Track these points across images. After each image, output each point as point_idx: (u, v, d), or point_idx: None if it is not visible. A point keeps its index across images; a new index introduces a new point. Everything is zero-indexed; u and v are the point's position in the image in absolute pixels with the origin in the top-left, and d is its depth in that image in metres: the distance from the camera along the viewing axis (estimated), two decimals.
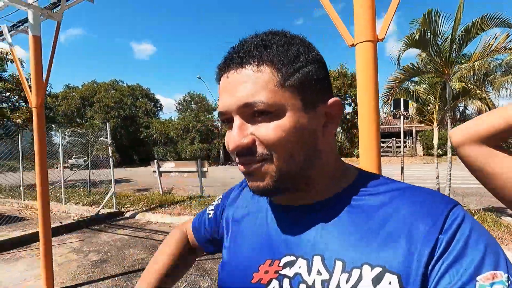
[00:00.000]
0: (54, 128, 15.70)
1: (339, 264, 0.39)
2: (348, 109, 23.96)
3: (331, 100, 0.43)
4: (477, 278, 0.33)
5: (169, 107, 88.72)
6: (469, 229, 0.37)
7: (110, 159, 6.59)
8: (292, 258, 0.43)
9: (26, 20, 3.42)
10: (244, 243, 0.51)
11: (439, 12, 4.26)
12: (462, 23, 4.55)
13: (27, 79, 4.51)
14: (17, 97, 12.87)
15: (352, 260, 0.38)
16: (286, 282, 0.42)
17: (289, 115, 0.39)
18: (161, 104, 36.65)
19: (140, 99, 32.56)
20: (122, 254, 4.21)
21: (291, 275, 0.42)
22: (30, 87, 3.12)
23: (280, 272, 0.43)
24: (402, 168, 7.62)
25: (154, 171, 7.89)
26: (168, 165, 7.77)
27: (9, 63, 12.09)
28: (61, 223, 5.70)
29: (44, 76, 3.09)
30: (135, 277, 3.42)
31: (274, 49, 0.39)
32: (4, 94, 12.08)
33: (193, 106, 33.67)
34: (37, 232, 5.17)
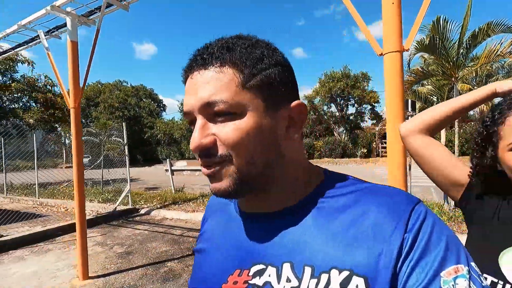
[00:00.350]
0: (60, 128, 15.94)
1: (307, 270, 0.39)
2: (351, 110, 24.16)
3: (294, 103, 0.43)
4: (441, 274, 0.35)
5: (171, 107, 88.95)
6: (431, 226, 0.38)
7: (126, 158, 6.81)
8: (261, 266, 0.43)
9: (60, 26, 3.66)
10: (212, 254, 0.51)
11: (447, 19, 4.49)
12: (469, 29, 4.78)
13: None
14: (27, 97, 13.13)
15: (320, 264, 0.38)
16: None
17: (250, 115, 0.39)
18: (164, 105, 36.93)
19: (144, 100, 32.83)
20: (145, 247, 4.43)
21: (260, 284, 0.41)
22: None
23: (250, 281, 0.42)
24: (410, 166, 7.83)
25: (167, 170, 8.11)
26: (180, 164, 8.00)
27: (19, 64, 12.37)
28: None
29: (82, 79, 3.31)
30: (162, 267, 3.63)
31: (238, 51, 0.40)
32: (16, 95, 12.32)
33: None
34: (60, 227, 5.43)
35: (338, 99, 23.06)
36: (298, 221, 0.43)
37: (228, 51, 0.40)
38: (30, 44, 4.07)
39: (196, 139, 0.40)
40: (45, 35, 3.63)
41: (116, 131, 8.24)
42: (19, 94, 12.58)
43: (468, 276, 0.35)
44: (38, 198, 8.85)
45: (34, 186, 10.05)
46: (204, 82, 0.39)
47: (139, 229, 5.45)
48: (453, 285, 0.35)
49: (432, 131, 0.87)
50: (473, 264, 0.38)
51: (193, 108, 0.41)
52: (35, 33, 3.73)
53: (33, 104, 13.28)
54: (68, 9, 3.20)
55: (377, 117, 24.09)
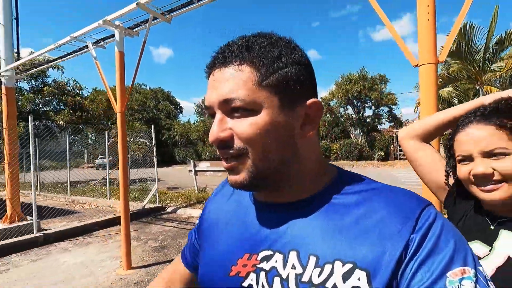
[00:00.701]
0: (84, 130, 16.73)
1: (312, 259, 0.41)
2: (368, 112, 23.95)
3: (309, 101, 0.44)
4: (447, 274, 0.36)
5: (187, 109, 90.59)
6: (440, 228, 0.39)
7: (155, 158, 7.17)
8: (269, 252, 0.45)
9: (107, 38, 4.01)
10: (222, 237, 0.53)
11: (473, 25, 4.54)
12: (496, 33, 4.80)
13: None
14: (57, 100, 13.89)
15: (325, 255, 0.40)
16: (262, 275, 0.44)
17: (265, 113, 0.41)
18: (181, 107, 37.85)
19: (162, 102, 33.75)
20: (178, 242, 4.71)
21: (267, 268, 0.44)
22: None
23: (258, 265, 0.45)
24: None
25: (190, 170, 8.44)
26: (203, 165, 8.30)
27: (50, 69, 13.11)
28: (115, 214, 6.32)
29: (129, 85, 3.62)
30: None
31: (256, 50, 0.42)
32: (47, 98, 13.09)
33: None
34: (95, 223, 5.81)
35: (355, 101, 22.93)
36: (308, 214, 0.45)
37: (247, 50, 0.42)
38: (77, 53, 4.46)
39: (215, 132, 0.43)
40: (93, 46, 3.99)
41: (142, 132, 8.65)
42: (50, 97, 13.34)
43: (474, 279, 0.36)
44: (70, 195, 9.38)
45: (64, 184, 10.65)
46: (224, 79, 0.42)
47: (168, 226, 5.76)
48: (458, 286, 0.35)
49: (424, 139, 0.92)
50: (480, 268, 0.38)
51: (213, 103, 0.43)
52: (84, 44, 4.10)
53: (62, 106, 14.05)
54: (117, 22, 3.52)
55: (395, 120, 23.75)
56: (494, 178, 0.67)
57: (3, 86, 5.35)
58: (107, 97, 30.49)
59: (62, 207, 7.86)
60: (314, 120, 0.45)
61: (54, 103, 13.66)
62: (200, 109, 36.27)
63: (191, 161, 8.52)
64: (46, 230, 5.22)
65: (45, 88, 12.82)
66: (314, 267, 0.40)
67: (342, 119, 23.92)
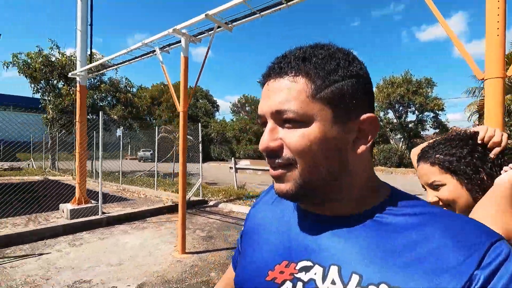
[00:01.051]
0: (133, 125, 18.07)
1: (355, 278, 0.39)
2: (411, 117, 22.80)
3: (365, 116, 0.43)
4: None
5: (222, 108, 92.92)
6: None
7: (200, 154, 7.65)
8: (309, 263, 0.44)
9: (172, 44, 4.44)
10: (262, 242, 0.53)
11: None
12: None
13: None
14: (111, 97, 15.20)
15: (369, 276, 0.38)
16: (299, 285, 0.43)
17: (316, 125, 0.41)
18: (218, 105, 39.00)
19: (200, 100, 35.11)
20: (223, 234, 5.05)
21: (305, 279, 0.43)
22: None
23: (295, 275, 0.44)
24: None
25: (231, 167, 8.83)
26: (243, 163, 8.66)
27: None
28: (164, 204, 6.88)
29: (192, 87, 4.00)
30: None
31: (313, 62, 0.42)
32: (103, 94, 14.41)
33: (247, 108, 35.23)
34: (147, 210, 6.37)
35: (397, 105, 21.96)
36: (355, 230, 0.43)
37: (303, 62, 0.42)
38: (144, 57, 4.97)
39: (265, 141, 0.43)
40: (159, 51, 4.44)
41: (188, 129, 9.23)
42: (106, 93, 14.66)
43: None
44: (121, 184, 10.28)
45: (115, 174, 11.68)
46: (277, 90, 0.42)
47: (212, 218, 6.15)
48: None
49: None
50: None
51: (265, 113, 0.44)
52: (151, 49, 4.58)
53: (115, 102, 15.37)
54: (183, 30, 3.91)
55: (441, 126, 22.33)
56: (440, 205, 0.80)
57: (77, 84, 6.11)
58: (150, 94, 32.60)
59: (115, 194, 8.68)
60: (367, 136, 0.44)
61: (109, 99, 15.02)
62: (235, 108, 37.13)
63: (232, 158, 8.92)
64: (107, 213, 5.87)
65: (101, 85, 14.13)
66: (356, 286, 0.38)
67: (381, 123, 23.06)
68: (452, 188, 0.78)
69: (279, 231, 0.52)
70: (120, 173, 10.56)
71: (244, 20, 3.56)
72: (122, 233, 5.03)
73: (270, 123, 0.44)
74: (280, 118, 0.42)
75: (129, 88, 15.44)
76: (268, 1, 3.22)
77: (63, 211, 5.79)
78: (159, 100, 32.84)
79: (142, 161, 24.18)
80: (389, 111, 22.64)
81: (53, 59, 12.50)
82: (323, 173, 0.43)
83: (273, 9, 3.21)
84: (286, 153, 0.43)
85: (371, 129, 0.44)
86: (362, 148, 0.44)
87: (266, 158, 0.45)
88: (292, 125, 0.42)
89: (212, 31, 3.72)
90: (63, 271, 3.43)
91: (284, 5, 3.08)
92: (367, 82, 0.45)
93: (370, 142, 0.44)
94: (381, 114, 23.16)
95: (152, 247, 4.32)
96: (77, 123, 6.11)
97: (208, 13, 3.32)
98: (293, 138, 0.42)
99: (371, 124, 0.43)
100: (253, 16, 3.41)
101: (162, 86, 34.75)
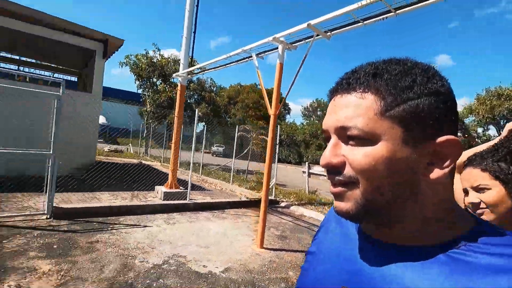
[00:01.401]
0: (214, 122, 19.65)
1: None
2: None
3: (442, 138, 0.39)
4: None
5: (293, 111, 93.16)
6: None
7: (276, 155, 7.90)
8: None
9: (267, 50, 4.73)
10: (321, 264, 0.52)
11: None
12: None
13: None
14: (197, 95, 16.84)
15: None
16: None
17: (383, 144, 0.38)
18: (289, 108, 39.27)
19: None
20: (296, 236, 5.15)
21: None
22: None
23: None
24: None
25: (304, 172, 8.88)
26: (317, 169, 8.59)
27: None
28: (240, 199, 7.36)
29: (285, 93, 4.21)
30: None
31: (384, 78, 0.39)
32: (191, 93, 16.09)
33: (318, 112, 34.54)
34: (226, 202, 6.87)
35: (502, 121, 18.60)
36: (426, 265, 0.38)
37: (374, 77, 0.40)
38: (240, 62, 5.41)
39: (327, 156, 0.42)
40: (256, 57, 4.79)
41: (263, 130, 9.63)
42: (193, 92, 16.33)
43: None
44: (201, 175, 11.33)
45: (195, 164, 12.88)
46: (344, 105, 0.41)
47: (284, 220, 6.31)
48: None
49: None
50: None
51: (329, 128, 0.43)
52: (248, 55, 4.96)
53: (200, 100, 17.01)
54: (281, 38, 4.14)
55: None
56: (481, 206, 0.88)
57: (179, 84, 7.00)
58: (227, 94, 34.88)
59: (196, 183, 9.62)
60: (445, 160, 0.39)
61: (195, 97, 16.71)
62: (307, 112, 36.80)
63: (306, 163, 8.96)
64: (193, 199, 6.58)
65: (191, 85, 15.79)
66: None
67: (479, 140, 19.82)
68: (498, 194, 0.86)
69: (340, 254, 0.50)
70: (201, 165, 11.62)
71: (344, 29, 3.58)
72: (206, 219, 5.59)
73: (334, 139, 0.43)
74: (344, 135, 0.41)
75: (212, 88, 16.94)
76: (373, 10, 3.18)
77: (157, 192, 6.73)
78: (235, 100, 34.86)
79: (215, 155, 26.15)
80: (491, 126, 19.32)
81: (155, 60, 14.56)
82: (388, 196, 0.39)
83: (379, 17, 3.16)
84: (348, 171, 0.41)
85: (450, 152, 0.39)
86: (437, 173, 0.39)
87: (326, 174, 0.44)
88: (356, 142, 0.40)
89: (311, 39, 3.84)
90: (163, 244, 4.03)
91: (393, 13, 2.99)
92: (449, 100, 0.40)
93: (449, 168, 0.39)
94: (479, 130, 19.94)
95: (232, 237, 4.69)
96: (175, 117, 7.01)
97: (310, 23, 3.45)
98: (357, 156, 0.40)
99: (451, 147, 0.39)
100: (355, 25, 3.41)
101: (238, 86, 36.78)
